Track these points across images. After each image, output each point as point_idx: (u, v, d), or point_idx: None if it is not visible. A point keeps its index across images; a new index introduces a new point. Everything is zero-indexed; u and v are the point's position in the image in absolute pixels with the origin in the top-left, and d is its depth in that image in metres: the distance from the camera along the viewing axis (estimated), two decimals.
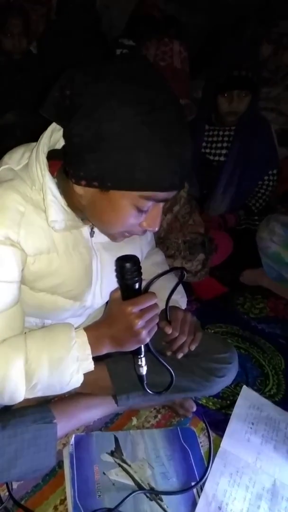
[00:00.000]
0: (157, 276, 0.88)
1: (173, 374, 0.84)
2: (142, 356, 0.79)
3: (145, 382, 0.82)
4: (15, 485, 0.91)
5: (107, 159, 0.62)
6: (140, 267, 0.74)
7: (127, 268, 0.72)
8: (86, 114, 0.61)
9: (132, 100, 0.60)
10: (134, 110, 0.60)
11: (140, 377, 0.81)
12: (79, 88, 0.62)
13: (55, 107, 0.66)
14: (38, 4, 2.24)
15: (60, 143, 0.75)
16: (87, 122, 0.61)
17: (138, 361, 0.80)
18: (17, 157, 0.77)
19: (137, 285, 0.74)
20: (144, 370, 0.80)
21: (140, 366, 0.80)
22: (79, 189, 0.68)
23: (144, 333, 0.74)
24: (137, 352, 0.79)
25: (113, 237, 0.78)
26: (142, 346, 0.78)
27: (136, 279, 0.73)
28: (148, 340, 0.76)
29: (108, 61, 0.65)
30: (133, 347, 0.77)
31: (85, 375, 0.77)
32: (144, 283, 0.80)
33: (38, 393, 0.76)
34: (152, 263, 1.07)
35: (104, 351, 0.78)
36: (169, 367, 0.83)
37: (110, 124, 0.60)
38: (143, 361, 0.80)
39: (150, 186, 0.64)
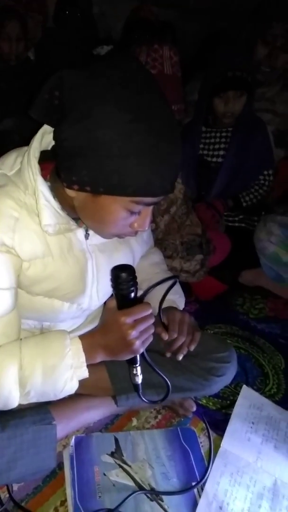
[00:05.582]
0: (152, 286, 0.90)
1: (169, 385, 0.84)
2: (137, 365, 0.79)
3: (140, 391, 0.82)
4: (15, 487, 0.91)
5: (99, 166, 0.62)
6: (135, 277, 0.73)
7: (122, 278, 0.72)
8: (77, 119, 0.62)
9: (124, 107, 0.61)
10: (126, 117, 0.60)
11: (136, 386, 0.81)
12: (69, 90, 0.63)
13: (44, 108, 0.66)
14: (35, 12, 2.27)
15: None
16: (79, 128, 0.62)
17: (133, 371, 0.80)
18: (10, 163, 0.77)
19: (132, 295, 0.74)
20: (139, 379, 0.80)
21: (136, 375, 0.80)
22: (71, 192, 0.69)
23: (137, 343, 0.73)
24: (132, 361, 0.79)
25: (105, 237, 0.80)
26: (138, 356, 0.78)
27: (131, 289, 0.73)
28: (142, 350, 0.76)
29: (100, 63, 0.66)
30: (127, 357, 0.77)
31: None
32: (140, 292, 0.80)
33: (32, 399, 0.76)
34: (150, 263, 1.08)
35: (98, 359, 0.78)
36: (164, 377, 0.82)
37: (103, 131, 0.61)
38: (138, 371, 0.80)
39: (142, 192, 0.65)
